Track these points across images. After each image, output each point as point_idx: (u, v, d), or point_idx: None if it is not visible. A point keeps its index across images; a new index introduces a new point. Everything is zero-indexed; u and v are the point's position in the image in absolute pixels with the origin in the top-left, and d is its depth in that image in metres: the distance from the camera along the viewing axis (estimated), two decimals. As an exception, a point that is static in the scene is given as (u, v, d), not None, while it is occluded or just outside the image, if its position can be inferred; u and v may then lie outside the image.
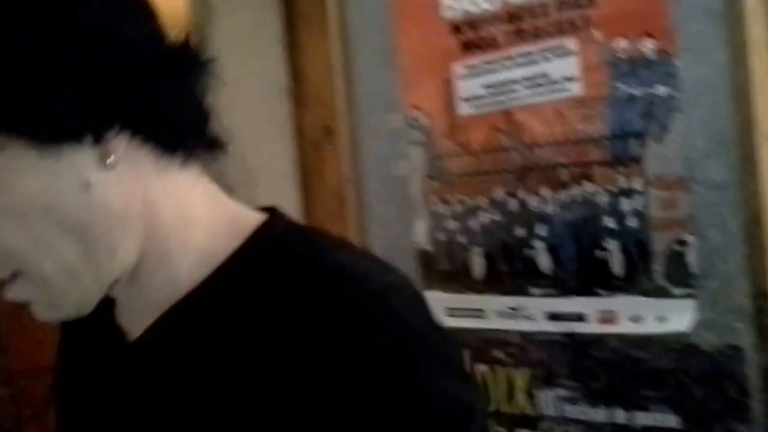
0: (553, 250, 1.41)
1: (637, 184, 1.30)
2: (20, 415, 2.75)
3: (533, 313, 1.44)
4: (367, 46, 1.66)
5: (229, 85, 1.96)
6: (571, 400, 1.40)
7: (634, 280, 1.32)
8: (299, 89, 1.84)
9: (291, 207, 1.87)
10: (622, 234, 1.33)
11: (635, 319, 1.33)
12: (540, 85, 1.39)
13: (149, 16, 0.64)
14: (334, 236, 0.73)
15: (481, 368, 1.51)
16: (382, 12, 1.62)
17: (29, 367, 3.36)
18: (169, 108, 0.62)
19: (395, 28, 1.60)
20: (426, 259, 1.58)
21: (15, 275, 0.62)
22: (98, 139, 0.60)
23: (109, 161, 0.60)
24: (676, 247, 1.27)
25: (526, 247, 1.44)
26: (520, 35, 1.41)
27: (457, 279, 1.54)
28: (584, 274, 1.38)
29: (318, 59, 1.78)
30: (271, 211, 0.70)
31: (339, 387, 0.57)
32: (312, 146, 1.82)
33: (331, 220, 1.80)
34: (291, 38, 1.84)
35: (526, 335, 1.45)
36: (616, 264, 1.34)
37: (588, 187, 1.36)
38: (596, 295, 1.37)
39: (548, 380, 1.43)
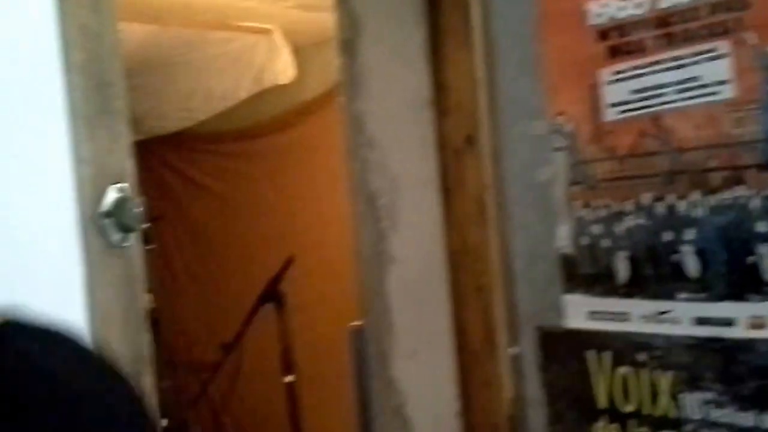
0: (701, 255, 1.41)
1: (792, 186, 1.29)
2: (180, 403, 2.93)
3: (679, 317, 1.44)
4: (511, 55, 1.71)
5: (375, 97, 2.06)
6: (718, 404, 1.38)
7: (788, 284, 1.30)
8: (442, 99, 1.90)
9: (433, 213, 1.93)
10: (775, 237, 1.32)
11: (789, 323, 1.31)
12: (690, 88, 1.40)
13: None
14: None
15: (624, 370, 1.52)
16: (525, 22, 1.67)
17: (185, 362, 3.58)
18: None
19: (539, 37, 1.64)
20: (568, 263, 1.61)
21: None
22: None
23: None
24: (835, 251, 1.25)
25: (673, 251, 1.45)
26: (670, 39, 1.42)
27: (601, 283, 1.55)
28: (734, 279, 1.37)
29: (461, 70, 1.85)
30: None
31: None
32: (454, 154, 1.88)
33: (471, 225, 1.85)
34: (435, 50, 1.91)
35: (671, 339, 1.45)
36: (769, 268, 1.33)
37: (740, 191, 1.36)
38: (746, 300, 1.36)
39: (693, 384, 1.42)
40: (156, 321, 2.78)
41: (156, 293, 4.09)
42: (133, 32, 2.98)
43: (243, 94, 3.51)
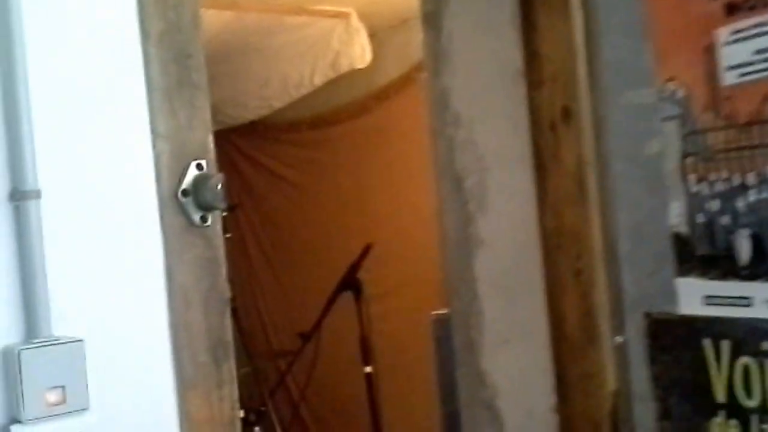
0: (838, 231, 1.26)
1: None
2: (259, 390, 2.90)
3: (812, 302, 1.29)
4: (613, 18, 1.57)
5: (460, 71, 1.92)
6: None
7: None
8: (535, 70, 1.78)
9: (525, 193, 1.81)
10: None
11: None
12: (826, 44, 1.24)
13: None
14: None
15: (746, 361, 1.37)
16: (630, -18, 1.53)
17: (263, 351, 3.55)
18: None
19: (646, -2, 1.50)
20: (682, 243, 1.46)
21: None
22: None
23: None
24: None
25: (804, 228, 1.29)
26: (803, -10, 1.27)
27: (719, 264, 1.41)
28: None
29: (556, 37, 1.72)
30: None
31: None
32: (549, 129, 1.75)
33: (569, 205, 1.73)
34: (527, 19, 1.79)
35: (802, 326, 1.30)
36: None
37: None
38: None
39: (831, 377, 1.27)
40: (234, 310, 2.73)
41: (233, 282, 4.07)
42: (208, 19, 2.94)
43: (319, 80, 3.43)
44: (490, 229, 1.79)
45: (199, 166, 1.20)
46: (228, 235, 3.10)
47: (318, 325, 2.97)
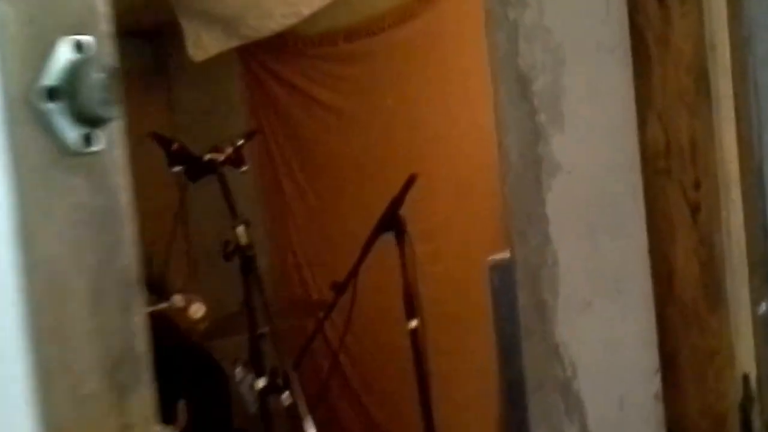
0: None
1: None
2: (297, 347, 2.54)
3: None
4: None
5: None
6: None
7: None
8: None
9: (619, 96, 1.29)
10: None
11: None
12: None
13: None
14: None
15: None
16: None
17: (302, 301, 3.19)
18: None
19: None
20: None
21: None
22: None
23: None
24: None
25: None
26: None
27: None
28: None
29: None
30: None
31: None
32: (656, 4, 1.21)
33: (684, 113, 1.20)
34: None
35: None
36: None
37: None
38: None
39: None
40: (250, 259, 2.28)
41: (259, 224, 3.63)
42: None
43: (353, -22, 2.91)
44: (569, 149, 1.28)
45: (77, 47, 0.70)
46: (244, 168, 2.67)
47: (354, 273, 2.50)
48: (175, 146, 2.44)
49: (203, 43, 3.39)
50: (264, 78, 3.60)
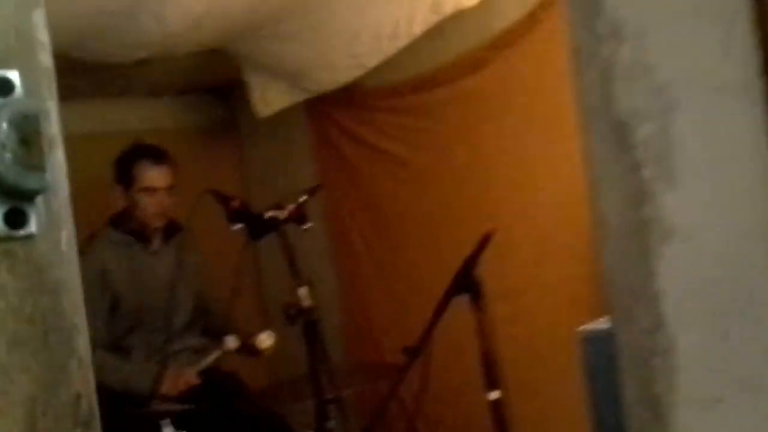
0: None
1: None
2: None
3: None
4: None
5: None
6: None
7: None
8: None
9: (748, 139, 1.10)
10: None
11: None
12: None
13: None
14: None
15: None
16: None
17: (374, 364, 3.01)
18: None
19: None
20: None
21: None
22: None
23: None
24: None
25: None
26: None
27: None
28: None
29: None
30: None
31: None
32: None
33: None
34: None
35: None
36: None
37: None
38: None
39: None
40: (313, 324, 2.13)
41: (329, 281, 3.48)
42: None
43: (418, 28, 2.78)
44: (684, 210, 1.07)
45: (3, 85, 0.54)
46: (307, 225, 2.55)
47: (427, 337, 2.31)
48: (235, 203, 2.37)
49: (269, 99, 3.33)
50: (331, 132, 3.49)
